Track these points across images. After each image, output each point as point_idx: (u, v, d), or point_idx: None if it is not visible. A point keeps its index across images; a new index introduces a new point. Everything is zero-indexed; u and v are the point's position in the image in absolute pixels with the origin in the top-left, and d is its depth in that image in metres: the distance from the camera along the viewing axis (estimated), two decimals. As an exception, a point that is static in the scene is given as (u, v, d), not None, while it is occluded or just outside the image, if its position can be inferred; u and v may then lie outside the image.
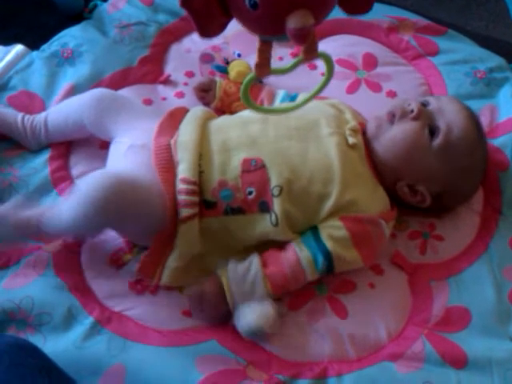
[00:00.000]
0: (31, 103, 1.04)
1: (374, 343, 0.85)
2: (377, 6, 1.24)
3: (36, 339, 0.80)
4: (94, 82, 1.06)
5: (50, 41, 1.11)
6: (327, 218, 0.86)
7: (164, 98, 1.08)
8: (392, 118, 0.91)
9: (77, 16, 1.17)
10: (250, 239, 0.87)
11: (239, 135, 0.89)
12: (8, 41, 1.20)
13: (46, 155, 0.99)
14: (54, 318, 0.83)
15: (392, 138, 0.90)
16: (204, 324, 0.85)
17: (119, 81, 1.07)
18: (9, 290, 0.85)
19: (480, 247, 0.94)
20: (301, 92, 1.00)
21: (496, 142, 1.03)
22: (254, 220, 0.86)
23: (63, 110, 0.99)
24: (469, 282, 0.90)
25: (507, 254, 0.93)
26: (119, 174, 0.84)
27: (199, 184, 0.85)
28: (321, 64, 1.13)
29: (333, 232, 0.85)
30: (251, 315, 0.81)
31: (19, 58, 1.17)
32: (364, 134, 0.93)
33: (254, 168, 0.86)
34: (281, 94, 1.03)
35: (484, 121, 1.02)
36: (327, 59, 0.67)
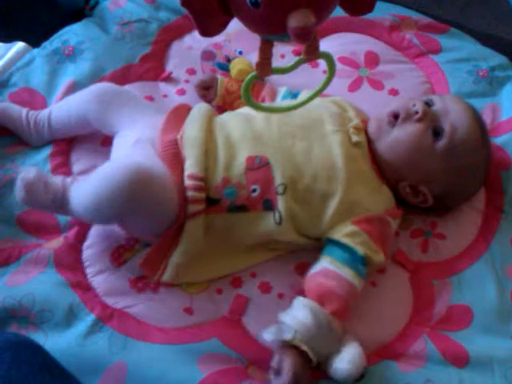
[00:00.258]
0: (32, 100, 1.04)
1: (375, 341, 0.85)
2: (379, 4, 1.24)
3: (37, 336, 0.80)
4: (94, 79, 1.06)
5: (51, 38, 1.11)
6: (338, 226, 0.85)
7: (165, 95, 1.08)
8: (394, 118, 0.90)
9: (78, 13, 1.17)
10: (252, 238, 0.87)
11: (244, 131, 0.89)
12: (9, 38, 1.20)
13: (47, 151, 0.99)
14: (55, 315, 0.83)
15: (395, 140, 0.89)
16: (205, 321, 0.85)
17: (120, 78, 1.07)
18: (10, 286, 0.85)
19: (482, 246, 0.94)
20: (302, 90, 1.00)
21: (498, 140, 1.03)
22: (257, 218, 0.85)
23: (66, 106, 0.99)
24: (471, 280, 0.90)
25: (509, 252, 0.93)
26: (141, 164, 0.82)
27: (205, 180, 0.85)
28: (322, 62, 1.12)
29: (353, 238, 0.84)
30: (350, 366, 0.77)
31: (20, 55, 1.17)
32: (367, 132, 0.93)
33: (258, 165, 0.86)
34: (282, 91, 1.03)
35: (486, 119, 1.02)
36: (328, 58, 0.66)
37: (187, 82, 1.10)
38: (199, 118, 0.91)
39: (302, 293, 0.83)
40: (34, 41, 1.13)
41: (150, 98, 1.06)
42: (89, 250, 0.90)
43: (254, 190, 0.85)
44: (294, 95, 1.01)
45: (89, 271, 0.89)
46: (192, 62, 1.13)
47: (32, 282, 0.86)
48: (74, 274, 0.88)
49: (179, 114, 0.93)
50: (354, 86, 1.11)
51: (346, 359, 0.77)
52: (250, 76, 0.65)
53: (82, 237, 0.91)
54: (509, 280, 0.90)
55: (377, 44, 1.17)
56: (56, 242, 0.90)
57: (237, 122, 0.91)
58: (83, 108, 0.96)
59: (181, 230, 0.84)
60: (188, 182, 0.84)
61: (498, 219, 0.97)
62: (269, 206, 0.85)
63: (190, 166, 0.85)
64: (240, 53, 1.12)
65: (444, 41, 1.17)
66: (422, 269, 0.92)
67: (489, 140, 0.96)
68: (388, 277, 0.91)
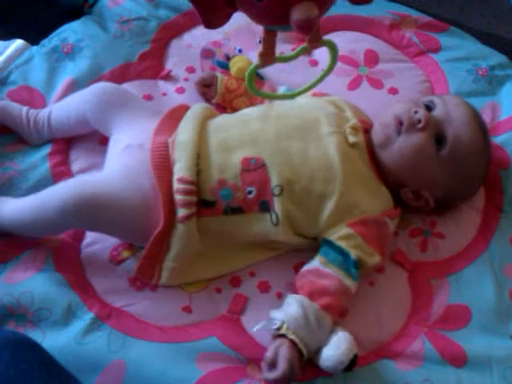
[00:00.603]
0: (31, 98, 1.04)
1: (373, 341, 0.85)
2: (379, 3, 1.24)
3: (35, 335, 0.80)
4: (94, 77, 1.05)
5: (50, 36, 1.11)
6: (334, 227, 0.85)
7: (164, 94, 1.08)
8: (399, 126, 0.89)
9: (77, 11, 1.17)
10: (249, 238, 0.87)
11: (239, 133, 0.88)
12: (8, 35, 1.20)
13: (46, 150, 0.99)
14: (53, 313, 0.83)
15: (399, 150, 0.88)
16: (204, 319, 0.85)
17: (119, 76, 1.07)
18: (8, 284, 0.85)
19: (481, 245, 0.94)
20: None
21: (497, 139, 1.02)
22: (253, 219, 0.85)
23: (65, 105, 0.99)
24: (469, 280, 0.90)
25: (508, 252, 0.93)
26: (94, 189, 0.83)
27: (197, 183, 0.85)
28: (321, 60, 1.13)
29: (348, 241, 0.84)
30: (338, 352, 0.77)
31: (19, 52, 1.17)
32: (366, 131, 0.92)
33: (254, 167, 0.85)
34: (282, 90, 1.03)
35: (485, 119, 1.02)
36: (331, 45, 0.66)
37: (186, 80, 1.10)
38: (192, 120, 0.91)
39: (297, 291, 0.84)
40: (33, 38, 1.13)
41: (149, 97, 1.06)
42: (88, 249, 0.90)
43: (250, 192, 0.85)
44: (294, 94, 1.01)
45: (87, 270, 0.89)
46: (191, 61, 1.12)
47: (30, 280, 0.85)
48: (72, 272, 0.88)
49: (174, 116, 0.93)
50: (354, 85, 1.10)
51: (334, 345, 0.78)
52: (253, 66, 0.66)
53: (80, 235, 0.91)
54: (507, 279, 0.90)
55: (376, 42, 1.17)
56: (55, 241, 0.90)
57: (232, 124, 0.91)
58: (82, 108, 0.96)
59: (171, 234, 0.84)
60: (177, 186, 0.84)
61: (497, 218, 0.97)
62: (265, 207, 0.85)
63: (180, 170, 0.85)
64: (239, 51, 1.11)
65: (444, 39, 1.17)
66: (421, 268, 0.92)
67: (490, 141, 0.96)
68: (386, 276, 0.91)
